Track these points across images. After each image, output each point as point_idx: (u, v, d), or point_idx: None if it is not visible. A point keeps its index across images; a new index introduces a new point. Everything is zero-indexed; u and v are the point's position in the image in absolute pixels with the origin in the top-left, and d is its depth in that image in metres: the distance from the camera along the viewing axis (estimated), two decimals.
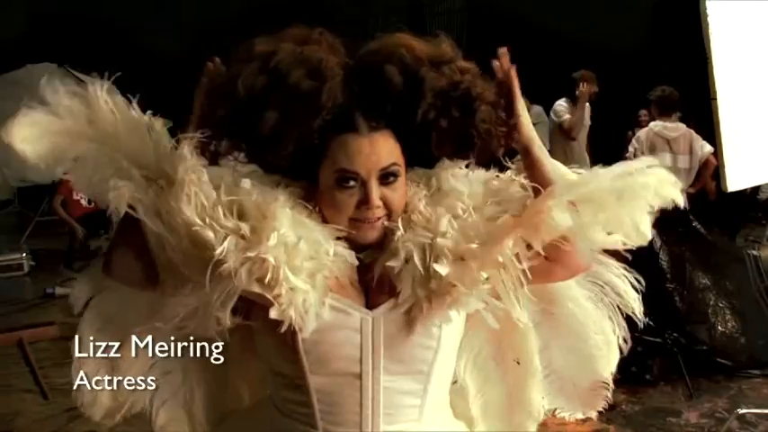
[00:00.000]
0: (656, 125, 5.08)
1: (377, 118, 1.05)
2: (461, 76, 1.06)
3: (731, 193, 3.31)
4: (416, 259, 1.04)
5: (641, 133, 5.26)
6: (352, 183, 1.05)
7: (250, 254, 0.99)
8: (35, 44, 8.50)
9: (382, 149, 1.05)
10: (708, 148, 4.81)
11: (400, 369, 1.09)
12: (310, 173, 1.09)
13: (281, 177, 1.11)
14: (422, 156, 1.12)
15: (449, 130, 1.06)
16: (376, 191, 1.05)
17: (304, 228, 1.04)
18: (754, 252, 4.17)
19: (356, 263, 1.09)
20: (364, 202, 1.05)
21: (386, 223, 1.08)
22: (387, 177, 1.06)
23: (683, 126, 4.94)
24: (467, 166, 1.15)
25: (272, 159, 1.08)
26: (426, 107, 1.04)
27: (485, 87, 1.09)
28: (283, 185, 1.09)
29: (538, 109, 7.41)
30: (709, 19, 2.99)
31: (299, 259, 1.01)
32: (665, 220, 3.99)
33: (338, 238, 1.07)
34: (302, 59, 1.03)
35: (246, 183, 1.05)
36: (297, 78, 1.01)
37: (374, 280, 1.08)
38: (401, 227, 1.07)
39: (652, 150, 5.04)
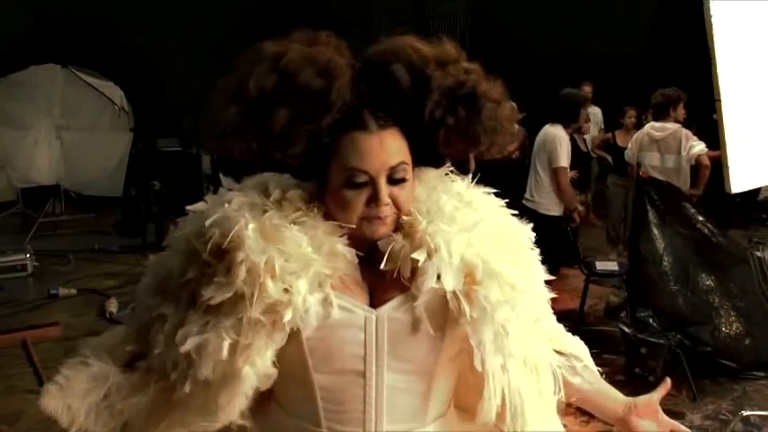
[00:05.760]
0: (648, 125, 5.14)
1: (385, 116, 1.06)
2: (467, 76, 1.07)
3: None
4: (444, 252, 1.05)
5: (636, 134, 5.34)
6: (362, 181, 1.06)
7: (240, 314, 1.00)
8: (39, 46, 8.53)
9: (391, 147, 1.06)
10: (697, 148, 4.78)
11: (404, 368, 1.09)
12: (319, 173, 1.09)
13: (270, 180, 1.12)
14: (429, 154, 1.13)
15: (456, 128, 1.07)
16: (385, 189, 1.06)
17: (278, 233, 1.03)
18: (759, 253, 4.15)
19: (356, 261, 1.10)
20: (374, 199, 1.06)
21: (400, 219, 1.09)
22: (396, 177, 1.07)
23: (673, 126, 4.92)
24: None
25: (282, 158, 1.07)
26: (433, 105, 1.05)
27: (489, 86, 1.10)
28: (274, 189, 1.10)
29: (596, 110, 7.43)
30: (713, 20, 2.98)
31: (277, 267, 1.01)
32: (669, 220, 3.99)
33: (340, 236, 1.07)
34: (311, 59, 1.03)
35: (209, 220, 1.05)
36: (307, 77, 1.01)
37: (390, 272, 1.07)
38: (421, 219, 1.08)
39: (641, 149, 5.08)
